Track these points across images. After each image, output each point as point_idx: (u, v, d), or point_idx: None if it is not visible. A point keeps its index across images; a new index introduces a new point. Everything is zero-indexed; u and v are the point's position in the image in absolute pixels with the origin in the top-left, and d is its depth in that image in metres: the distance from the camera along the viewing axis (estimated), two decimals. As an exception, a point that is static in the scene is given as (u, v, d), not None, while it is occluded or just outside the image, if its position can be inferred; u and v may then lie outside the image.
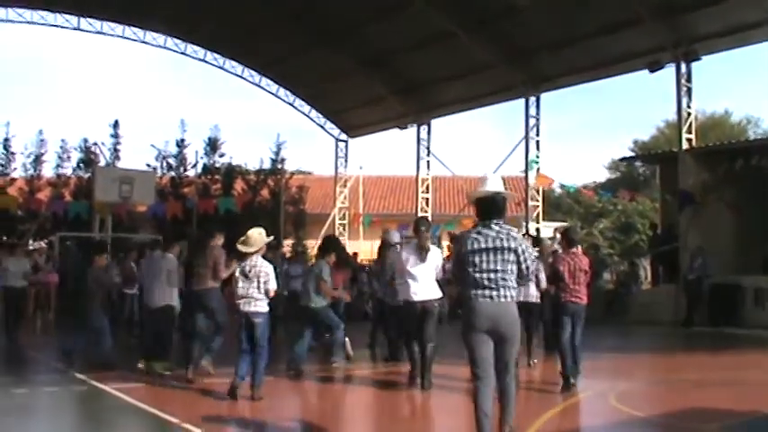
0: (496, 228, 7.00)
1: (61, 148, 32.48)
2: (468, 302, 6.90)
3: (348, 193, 36.87)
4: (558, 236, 13.50)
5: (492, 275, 6.85)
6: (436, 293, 11.17)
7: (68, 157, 32.47)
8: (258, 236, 10.54)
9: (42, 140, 32.29)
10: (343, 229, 35.73)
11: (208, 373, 11.63)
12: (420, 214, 31.98)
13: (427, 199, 33.05)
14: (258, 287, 10.31)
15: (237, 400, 10.16)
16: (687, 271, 21.83)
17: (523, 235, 16.19)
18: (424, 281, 11.05)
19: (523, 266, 7.04)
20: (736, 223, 22.70)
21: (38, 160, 32.21)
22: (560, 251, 11.97)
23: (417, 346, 11.13)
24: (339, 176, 36.62)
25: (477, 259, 6.88)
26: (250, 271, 10.36)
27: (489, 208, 7.17)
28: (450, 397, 10.84)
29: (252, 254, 10.46)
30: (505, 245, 6.91)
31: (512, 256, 6.92)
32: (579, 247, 11.87)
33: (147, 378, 11.81)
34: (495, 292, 6.83)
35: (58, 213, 27.99)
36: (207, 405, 10.42)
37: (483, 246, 6.91)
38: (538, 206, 28.13)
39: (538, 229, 27.26)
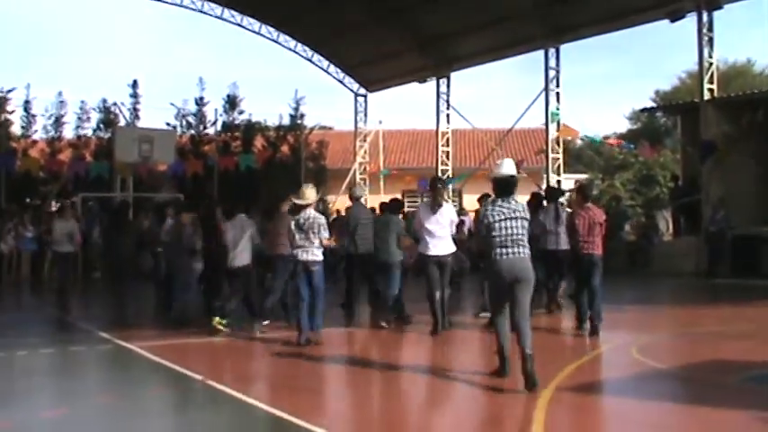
0: (513, 202, 8.74)
1: (81, 109, 32.46)
2: (494, 259, 8.53)
3: (368, 147, 36.81)
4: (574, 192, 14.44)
5: (512, 238, 8.55)
6: (451, 248, 12.08)
7: (88, 118, 32.45)
8: (311, 191, 11.65)
9: (62, 102, 32.21)
10: (364, 184, 35.73)
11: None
12: (440, 168, 32.06)
13: (447, 152, 32.91)
14: (313, 237, 11.19)
15: (270, 356, 10.33)
16: (709, 223, 21.74)
17: (547, 188, 16.60)
18: (440, 237, 11.97)
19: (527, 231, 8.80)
20: (759, 174, 22.56)
21: (58, 122, 32.16)
22: (575, 206, 12.62)
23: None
24: (359, 131, 36.51)
25: (501, 225, 8.56)
26: (304, 223, 11.23)
27: (506, 187, 8.82)
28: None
29: (305, 207, 11.38)
30: (520, 215, 8.67)
31: (525, 224, 8.70)
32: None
33: (172, 336, 11.99)
34: (514, 249, 8.52)
35: (79, 174, 28.14)
36: (231, 362, 10.60)
37: (505, 216, 8.59)
38: (559, 158, 27.98)
39: (559, 181, 27.18)
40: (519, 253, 8.53)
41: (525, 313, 8.46)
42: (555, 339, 12.16)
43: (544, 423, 6.76)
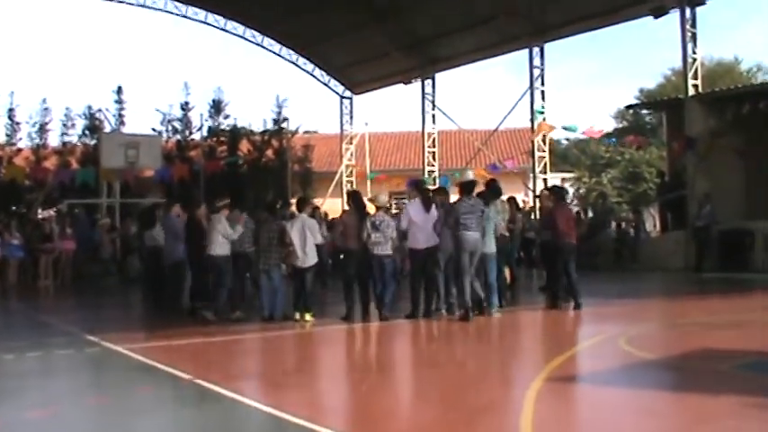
0: (474, 199, 13.02)
1: (66, 116, 32.46)
2: (460, 237, 12.66)
3: (354, 150, 36.76)
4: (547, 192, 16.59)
5: (472, 224, 12.72)
6: (435, 240, 13.22)
7: (73, 125, 32.46)
8: (383, 197, 14.14)
9: (46, 109, 32.20)
10: (351, 186, 35.69)
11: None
12: (427, 168, 32.05)
13: (434, 153, 32.93)
14: (385, 236, 13.18)
15: (260, 352, 10.30)
16: (695, 218, 21.80)
17: (550, 188, 17.67)
18: (427, 231, 13.21)
19: (483, 218, 12.96)
20: (744, 169, 22.62)
21: (43, 129, 32.12)
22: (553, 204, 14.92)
23: (423, 282, 13.35)
24: (345, 134, 36.50)
25: (464, 215, 12.72)
26: (379, 224, 13.22)
27: (469, 188, 13.18)
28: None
29: (378, 210, 13.54)
30: (478, 209, 12.92)
31: (481, 214, 12.91)
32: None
33: (161, 337, 11.97)
34: (473, 232, 12.73)
35: (65, 181, 28.02)
36: (219, 361, 10.55)
37: (468, 209, 12.79)
38: (545, 157, 27.97)
39: (545, 180, 27.18)
40: (474, 232, 12.69)
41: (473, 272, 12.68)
42: (542, 332, 12.35)
43: (533, 413, 6.74)
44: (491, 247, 13.49)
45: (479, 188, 14.43)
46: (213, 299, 14.03)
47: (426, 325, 12.90)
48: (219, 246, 13.89)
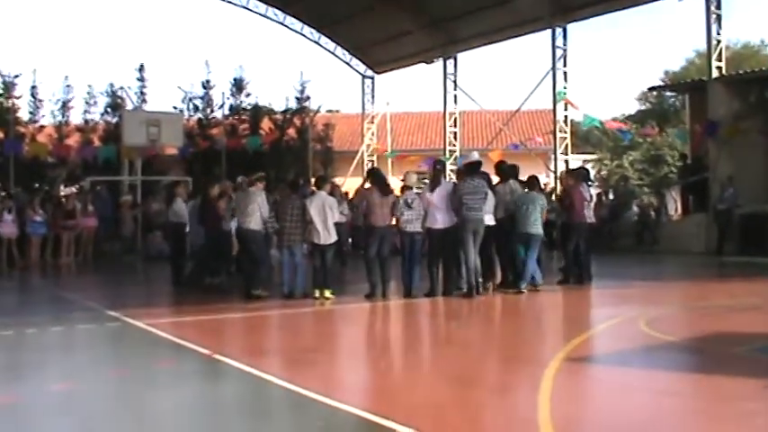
0: (477, 179, 13.18)
1: (88, 93, 32.44)
2: (464, 216, 12.90)
3: (376, 129, 36.71)
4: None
5: (476, 204, 12.92)
6: (453, 220, 13.25)
7: (95, 103, 32.42)
8: (413, 176, 14.11)
9: (69, 87, 32.18)
10: (372, 166, 35.65)
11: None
12: (448, 149, 31.96)
13: (455, 133, 32.83)
14: (418, 213, 13.32)
15: (281, 329, 10.36)
16: (717, 201, 21.68)
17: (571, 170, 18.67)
18: (445, 211, 13.30)
19: (490, 199, 13.28)
20: (767, 151, 22.44)
21: (65, 107, 32.13)
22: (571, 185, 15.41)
23: (443, 262, 13.52)
24: (366, 113, 36.41)
25: (469, 196, 12.90)
26: (412, 202, 13.39)
27: (474, 168, 13.44)
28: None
29: (409, 188, 13.56)
30: (483, 190, 13.08)
31: (484, 195, 13.03)
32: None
33: (182, 313, 12.07)
34: (476, 212, 12.95)
35: (87, 159, 28.20)
36: (239, 337, 10.66)
37: (472, 189, 12.96)
38: (566, 138, 27.80)
39: (567, 161, 27.07)
40: (480, 214, 12.91)
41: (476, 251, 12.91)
42: (562, 313, 12.34)
43: (551, 392, 6.75)
44: (538, 228, 13.88)
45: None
46: (253, 275, 13.96)
47: (446, 303, 12.93)
48: (255, 221, 13.79)
